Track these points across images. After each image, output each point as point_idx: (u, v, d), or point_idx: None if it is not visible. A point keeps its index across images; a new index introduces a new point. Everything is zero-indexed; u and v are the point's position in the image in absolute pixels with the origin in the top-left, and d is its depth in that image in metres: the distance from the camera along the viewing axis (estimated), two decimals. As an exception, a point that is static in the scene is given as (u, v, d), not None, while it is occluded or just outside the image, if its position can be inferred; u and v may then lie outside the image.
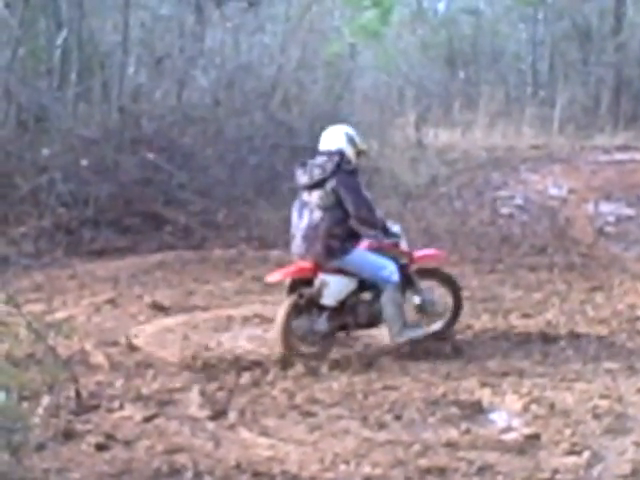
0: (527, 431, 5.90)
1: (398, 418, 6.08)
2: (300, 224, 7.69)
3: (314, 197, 7.65)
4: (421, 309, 8.02)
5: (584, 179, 17.15)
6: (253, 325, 8.57)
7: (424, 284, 8.05)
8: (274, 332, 7.63)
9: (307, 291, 7.55)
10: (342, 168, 7.66)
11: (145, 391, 6.59)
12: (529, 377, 7.01)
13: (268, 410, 6.25)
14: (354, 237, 7.71)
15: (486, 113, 20.70)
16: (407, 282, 7.91)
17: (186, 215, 12.98)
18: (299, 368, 7.07)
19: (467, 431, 5.88)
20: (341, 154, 7.71)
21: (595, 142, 21.13)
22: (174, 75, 15.30)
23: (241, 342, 7.97)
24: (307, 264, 7.59)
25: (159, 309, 9.06)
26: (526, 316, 8.94)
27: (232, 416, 6.10)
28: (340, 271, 7.62)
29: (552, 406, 6.35)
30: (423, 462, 5.37)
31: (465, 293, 9.79)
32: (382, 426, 5.98)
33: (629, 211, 14.55)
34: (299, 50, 16.63)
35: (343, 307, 7.67)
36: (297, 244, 7.70)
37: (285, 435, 5.82)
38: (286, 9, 18.05)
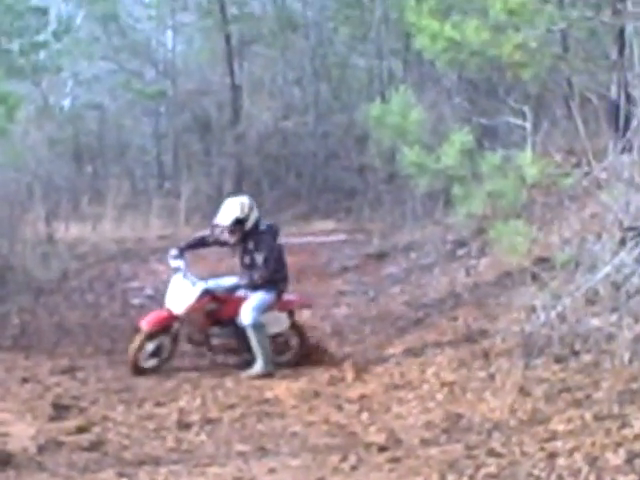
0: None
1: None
2: None
3: None
4: None
5: (213, 266, 17.63)
6: None
7: None
8: None
9: None
10: None
11: None
12: (165, 464, 7.18)
13: None
14: None
15: (114, 206, 20.87)
16: None
17: None
18: None
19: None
20: None
21: (220, 231, 21.61)
22: None
23: None
24: None
25: None
26: (160, 404, 9.18)
27: None
28: None
29: (187, 492, 6.56)
30: None
31: (100, 385, 10.01)
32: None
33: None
34: None
35: None
36: None
37: None
38: None
